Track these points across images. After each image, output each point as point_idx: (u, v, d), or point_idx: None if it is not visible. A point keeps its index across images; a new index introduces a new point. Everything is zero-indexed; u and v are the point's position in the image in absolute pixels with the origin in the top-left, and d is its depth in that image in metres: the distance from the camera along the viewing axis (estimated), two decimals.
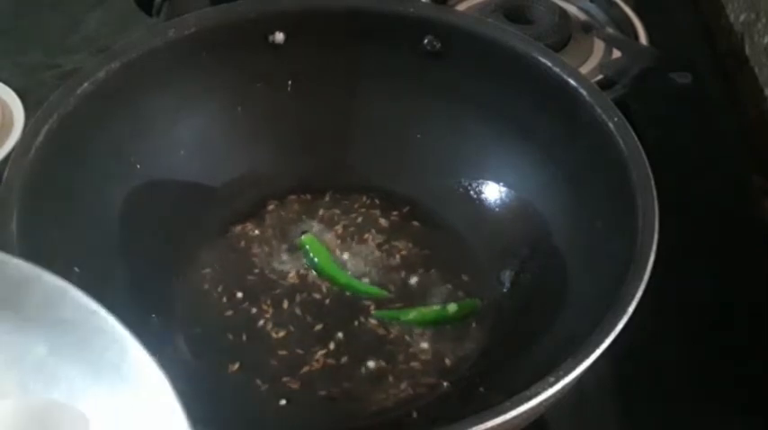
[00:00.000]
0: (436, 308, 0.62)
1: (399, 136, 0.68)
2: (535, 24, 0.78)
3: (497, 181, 0.66)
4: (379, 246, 0.65)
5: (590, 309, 0.52)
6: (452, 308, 0.62)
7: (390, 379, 0.58)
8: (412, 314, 0.61)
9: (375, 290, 0.63)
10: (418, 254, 0.65)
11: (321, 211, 0.67)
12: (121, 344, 0.35)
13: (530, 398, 0.45)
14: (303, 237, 0.65)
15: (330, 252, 0.64)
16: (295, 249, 0.65)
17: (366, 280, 0.63)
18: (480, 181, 0.66)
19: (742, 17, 0.87)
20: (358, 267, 0.64)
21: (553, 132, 0.62)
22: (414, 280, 0.64)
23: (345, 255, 0.65)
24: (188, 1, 0.81)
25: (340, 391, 0.58)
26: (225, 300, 0.62)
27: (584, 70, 0.76)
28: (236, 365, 0.59)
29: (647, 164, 0.55)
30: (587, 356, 0.46)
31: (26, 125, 0.70)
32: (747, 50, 0.85)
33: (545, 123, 0.62)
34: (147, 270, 0.60)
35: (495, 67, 0.63)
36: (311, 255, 0.64)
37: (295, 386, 0.58)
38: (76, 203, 0.57)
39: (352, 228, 0.66)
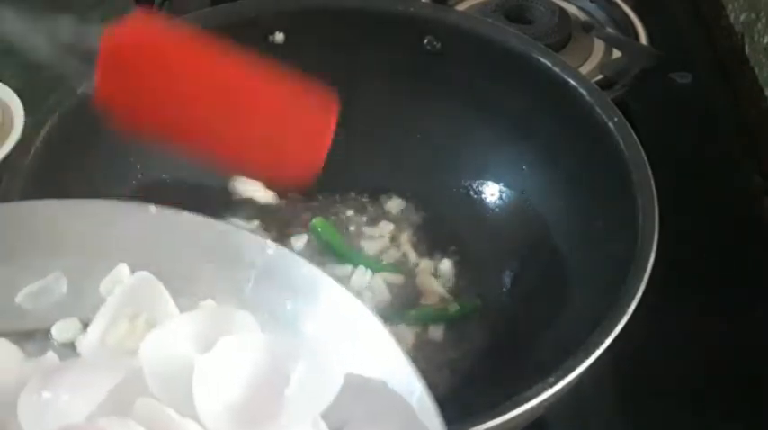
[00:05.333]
0: (437, 307, 0.62)
1: (399, 136, 0.68)
2: (535, 24, 0.78)
3: (497, 181, 0.66)
4: (378, 245, 0.65)
5: (590, 309, 0.52)
6: (453, 307, 0.62)
7: None
8: (412, 313, 0.61)
9: (390, 267, 0.63)
10: (418, 254, 0.65)
11: (321, 211, 0.67)
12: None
13: (530, 398, 0.45)
14: (314, 220, 0.65)
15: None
16: (295, 247, 0.65)
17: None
18: (480, 181, 0.66)
19: (742, 17, 0.87)
20: None
21: (553, 132, 0.62)
22: (414, 279, 0.64)
23: None
24: (188, 1, 0.81)
25: None
26: None
27: (584, 70, 0.76)
28: None
29: (647, 164, 0.55)
30: (587, 356, 0.46)
31: (26, 125, 0.70)
32: (747, 50, 0.85)
33: (545, 123, 0.62)
34: None
35: (496, 68, 0.63)
36: (323, 237, 0.64)
37: None
38: None
39: (351, 228, 0.66)
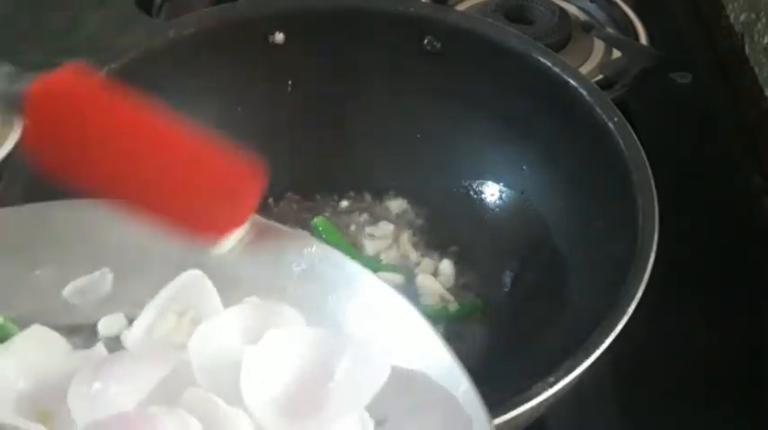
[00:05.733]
0: (438, 306, 0.62)
1: (399, 136, 0.68)
2: (535, 24, 0.78)
3: (497, 181, 0.66)
4: (378, 245, 0.65)
5: (590, 309, 0.52)
6: (453, 307, 0.62)
7: None
8: None
9: (391, 267, 0.63)
10: (418, 253, 0.65)
11: (320, 211, 0.67)
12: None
13: (530, 398, 0.45)
14: (315, 219, 0.65)
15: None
16: None
17: None
18: (480, 181, 0.66)
19: (742, 17, 0.87)
20: None
21: (553, 132, 0.62)
22: (414, 279, 0.64)
23: None
24: (188, 1, 0.81)
25: None
26: None
27: (584, 70, 0.76)
28: None
29: (647, 164, 0.55)
30: (587, 356, 0.46)
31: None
32: (747, 50, 0.85)
33: (545, 123, 0.62)
34: None
35: (496, 67, 0.63)
36: (324, 236, 0.64)
37: None
38: None
39: (351, 227, 0.66)
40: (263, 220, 0.43)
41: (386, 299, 0.41)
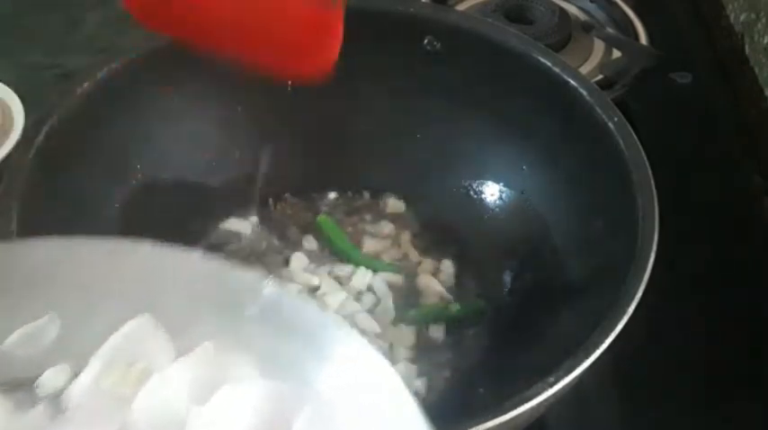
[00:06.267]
0: (437, 307, 0.62)
1: (399, 136, 0.68)
2: (535, 24, 0.78)
3: (497, 181, 0.66)
4: (379, 245, 0.65)
5: (590, 309, 0.52)
6: (454, 307, 0.62)
7: None
8: (412, 313, 0.61)
9: (390, 267, 0.63)
10: (418, 253, 0.65)
11: (321, 211, 0.67)
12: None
13: (530, 398, 0.45)
14: (319, 217, 0.66)
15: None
16: (295, 247, 0.65)
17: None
18: (480, 181, 0.66)
19: (742, 17, 0.87)
20: None
21: (553, 132, 0.62)
22: (414, 279, 0.64)
23: None
24: None
25: None
26: None
27: (584, 70, 0.76)
28: None
29: (647, 164, 0.55)
30: (587, 356, 0.46)
31: (26, 125, 0.70)
32: (747, 50, 0.85)
33: (545, 123, 0.62)
34: None
35: (496, 67, 0.63)
36: (326, 234, 0.65)
37: None
38: (76, 203, 0.57)
39: (350, 229, 0.66)
40: (218, 260, 0.41)
41: (352, 349, 0.38)
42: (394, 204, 0.68)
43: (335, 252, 0.65)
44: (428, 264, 0.65)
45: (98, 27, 0.85)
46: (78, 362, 0.38)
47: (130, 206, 0.61)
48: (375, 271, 0.63)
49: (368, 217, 0.67)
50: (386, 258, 0.65)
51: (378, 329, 0.60)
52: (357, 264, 0.63)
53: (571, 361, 0.46)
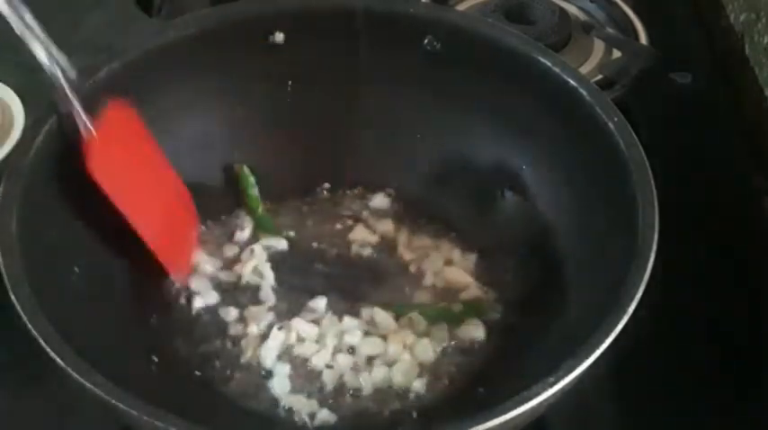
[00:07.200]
0: (438, 307, 0.62)
1: (399, 136, 0.67)
2: (535, 24, 0.78)
3: (497, 181, 0.66)
4: (378, 245, 0.65)
5: (590, 309, 0.52)
6: (457, 307, 0.62)
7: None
8: (413, 313, 0.61)
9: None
10: (419, 254, 0.65)
11: (319, 209, 0.67)
12: None
13: (530, 398, 0.45)
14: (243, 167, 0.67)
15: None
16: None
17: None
18: (480, 181, 0.66)
19: (742, 17, 0.87)
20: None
21: (553, 132, 0.62)
22: (414, 279, 0.64)
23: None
24: (188, 1, 0.81)
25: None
26: None
27: (584, 70, 0.76)
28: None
29: (647, 164, 0.55)
30: (587, 356, 0.46)
31: (26, 125, 0.70)
32: (747, 50, 0.85)
33: (545, 123, 0.62)
34: (148, 270, 0.60)
35: (496, 67, 0.63)
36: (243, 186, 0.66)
37: None
38: (76, 203, 0.57)
39: (349, 225, 0.66)
40: None
41: None
42: (393, 204, 0.67)
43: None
44: (427, 264, 0.64)
45: (98, 27, 0.85)
46: None
47: None
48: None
49: (368, 216, 0.67)
50: (386, 258, 0.65)
51: (380, 329, 0.60)
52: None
53: (571, 361, 0.46)
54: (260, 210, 0.66)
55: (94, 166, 0.54)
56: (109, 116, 0.56)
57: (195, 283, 0.62)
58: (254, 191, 0.66)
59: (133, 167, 0.59)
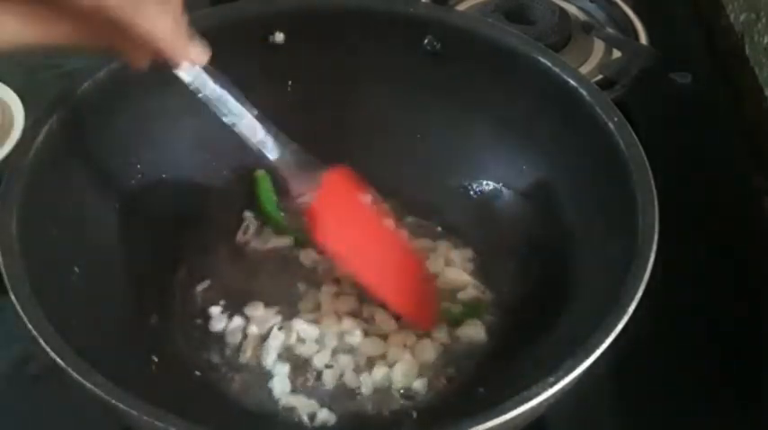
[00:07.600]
0: (441, 307, 0.62)
1: (399, 136, 0.68)
2: (535, 24, 0.78)
3: (497, 181, 0.66)
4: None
5: (590, 308, 0.52)
6: (457, 308, 0.62)
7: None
8: None
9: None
10: (419, 254, 0.65)
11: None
12: None
13: (530, 398, 0.45)
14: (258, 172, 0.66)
15: None
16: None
17: None
18: (480, 181, 0.66)
19: (742, 17, 0.87)
20: None
21: (553, 132, 0.62)
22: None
23: None
24: (188, 1, 0.81)
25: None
26: None
27: (584, 70, 0.76)
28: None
29: (647, 164, 0.55)
30: (587, 356, 0.46)
31: (26, 125, 0.70)
32: (747, 50, 0.85)
33: (545, 123, 0.62)
34: (147, 269, 0.60)
35: (496, 67, 0.63)
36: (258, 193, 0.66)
37: None
38: (76, 203, 0.57)
39: None
40: None
41: None
42: (393, 204, 0.67)
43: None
44: (428, 264, 0.64)
45: None
46: None
47: (130, 206, 0.61)
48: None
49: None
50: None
51: (380, 330, 0.60)
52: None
53: (571, 361, 0.46)
54: (275, 213, 0.66)
55: (321, 236, 0.57)
56: (328, 183, 0.58)
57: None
58: (272, 194, 0.66)
59: (357, 231, 0.61)
